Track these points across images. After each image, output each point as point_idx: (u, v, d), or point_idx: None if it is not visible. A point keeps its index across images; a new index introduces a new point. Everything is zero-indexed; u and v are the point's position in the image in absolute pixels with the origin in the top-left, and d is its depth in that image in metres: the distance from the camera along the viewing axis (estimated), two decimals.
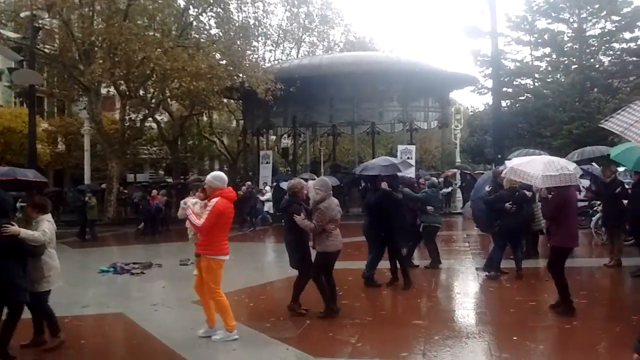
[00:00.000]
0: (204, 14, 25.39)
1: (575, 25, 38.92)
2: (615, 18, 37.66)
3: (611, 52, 38.81)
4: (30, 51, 20.37)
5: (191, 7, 25.13)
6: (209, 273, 6.16)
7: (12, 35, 21.47)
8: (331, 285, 7.29)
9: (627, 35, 37.74)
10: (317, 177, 25.11)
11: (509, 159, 14.65)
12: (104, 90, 26.88)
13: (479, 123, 42.06)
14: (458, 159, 41.94)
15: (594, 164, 12.56)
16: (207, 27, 26.46)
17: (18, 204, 14.10)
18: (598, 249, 12.45)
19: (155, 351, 6.18)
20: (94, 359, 5.95)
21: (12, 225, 5.47)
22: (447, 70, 28.86)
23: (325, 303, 7.06)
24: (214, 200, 6.11)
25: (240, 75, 22.89)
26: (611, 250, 10.34)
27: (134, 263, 11.80)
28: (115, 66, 22.06)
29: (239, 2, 24.80)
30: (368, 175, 9.82)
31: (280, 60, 34.26)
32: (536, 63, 41.62)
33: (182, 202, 7.47)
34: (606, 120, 5.94)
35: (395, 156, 24.41)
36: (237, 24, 25.23)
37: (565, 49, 39.29)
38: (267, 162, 26.42)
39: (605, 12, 37.57)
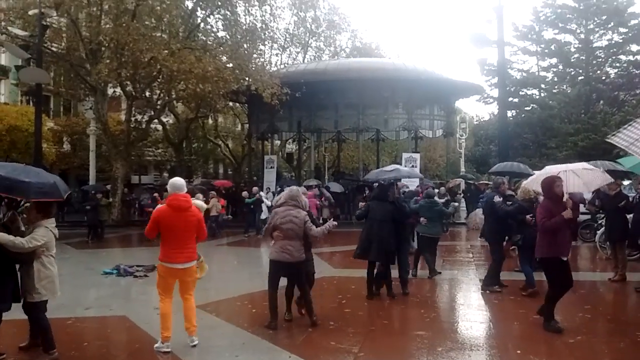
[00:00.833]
0: (211, 16, 25.48)
1: (582, 36, 38.93)
2: (622, 30, 37.67)
3: (618, 64, 38.79)
4: (37, 49, 20.43)
5: (199, 9, 25.21)
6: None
7: (20, 32, 21.54)
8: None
9: (634, 47, 37.80)
10: (321, 182, 25.22)
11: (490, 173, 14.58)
12: (110, 91, 26.92)
13: (484, 133, 42.03)
14: (463, 169, 41.91)
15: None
16: (215, 29, 26.57)
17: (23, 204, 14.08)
18: (602, 263, 12.39)
19: (157, 355, 6.15)
20: None
21: None
22: (453, 78, 28.88)
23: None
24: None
25: (247, 78, 22.92)
26: (615, 265, 10.29)
27: (138, 265, 11.78)
28: (122, 66, 22.13)
29: (247, 5, 24.84)
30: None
31: (286, 65, 34.33)
32: (542, 73, 41.62)
33: None
34: (613, 135, 5.97)
35: (400, 164, 24.48)
36: (244, 27, 25.26)
37: (572, 60, 39.27)
38: (271, 167, 26.43)
39: (612, 24, 37.58)
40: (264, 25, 26.75)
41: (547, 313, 6.81)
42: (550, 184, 6.75)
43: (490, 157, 37.28)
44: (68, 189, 6.38)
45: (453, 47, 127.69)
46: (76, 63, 24.02)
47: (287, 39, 37.08)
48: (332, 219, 6.87)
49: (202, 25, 25.75)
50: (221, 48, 24.06)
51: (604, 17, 37.54)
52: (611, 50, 38.39)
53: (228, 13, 24.74)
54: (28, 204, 6.22)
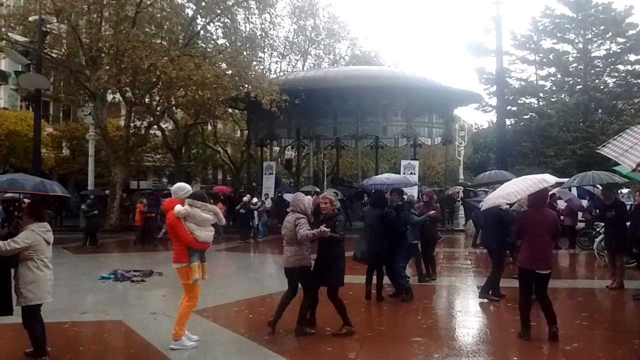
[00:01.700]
0: (211, 24, 25.58)
1: (581, 45, 39.10)
2: (620, 40, 37.87)
3: (616, 74, 38.98)
4: (37, 55, 20.50)
5: (199, 16, 25.29)
6: None
7: (20, 38, 21.61)
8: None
9: (632, 57, 37.93)
10: (320, 189, 25.20)
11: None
12: (109, 97, 26.98)
13: (483, 141, 42.08)
14: (461, 176, 41.90)
15: (598, 185, 12.53)
16: (214, 36, 26.69)
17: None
18: (600, 270, 12.38)
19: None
20: None
21: None
22: (452, 86, 28.99)
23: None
24: None
25: (246, 85, 22.97)
26: (613, 272, 10.29)
27: (135, 270, 11.77)
28: (121, 73, 22.18)
29: (247, 13, 24.94)
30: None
31: (285, 72, 34.41)
32: (541, 82, 41.76)
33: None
34: (603, 146, 5.97)
35: (399, 171, 24.50)
36: (244, 35, 25.37)
37: (570, 69, 39.44)
38: (270, 173, 26.45)
39: (610, 34, 37.77)
40: (263, 33, 26.88)
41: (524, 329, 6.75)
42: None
43: (489, 164, 37.29)
44: (56, 189, 6.43)
45: (452, 56, 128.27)
46: (76, 69, 24.08)
47: (287, 47, 37.22)
48: (324, 225, 6.73)
49: (202, 32, 25.84)
50: (221, 55, 24.14)
51: (602, 27, 37.73)
52: (609, 60, 38.56)
53: (228, 21, 24.85)
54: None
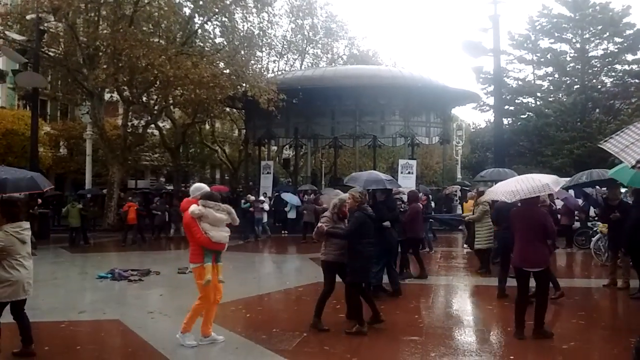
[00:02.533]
0: (209, 23, 25.51)
1: (578, 45, 39.15)
2: (617, 40, 37.91)
3: (613, 74, 39.00)
4: (34, 54, 20.43)
5: (196, 15, 25.26)
6: None
7: (17, 37, 21.55)
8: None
9: (629, 57, 38.04)
10: (317, 188, 25.22)
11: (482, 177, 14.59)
12: (107, 96, 26.94)
13: (481, 140, 42.13)
14: (459, 175, 41.90)
15: (597, 186, 12.54)
16: (212, 35, 26.63)
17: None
18: (597, 269, 12.41)
19: (150, 359, 6.14)
20: None
21: None
22: (450, 86, 28.97)
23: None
24: None
25: (243, 84, 22.94)
26: (611, 272, 10.26)
27: (132, 270, 11.77)
28: (118, 72, 22.13)
29: (244, 12, 24.89)
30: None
31: (283, 71, 34.41)
32: (538, 82, 41.80)
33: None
34: (605, 141, 5.97)
35: (397, 170, 24.51)
36: (241, 34, 25.34)
37: (568, 69, 39.49)
38: (268, 173, 26.41)
39: (608, 34, 37.82)
40: (261, 32, 26.84)
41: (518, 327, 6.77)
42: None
43: (487, 164, 37.32)
44: (50, 184, 6.39)
45: (449, 55, 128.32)
46: (73, 68, 24.02)
47: (285, 46, 37.18)
48: (324, 220, 6.98)
49: (199, 31, 25.79)
50: (218, 54, 24.08)
51: (599, 27, 37.78)
52: (607, 60, 38.61)
53: (226, 20, 24.80)
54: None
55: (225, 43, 25.57)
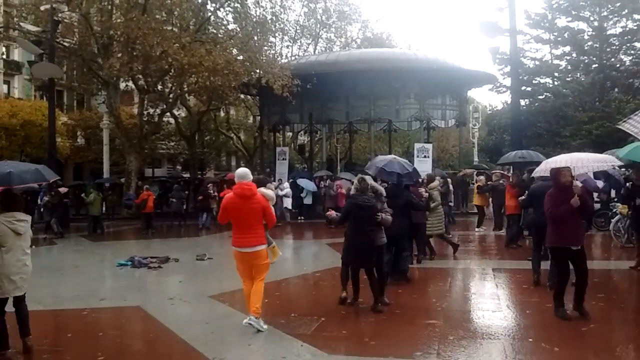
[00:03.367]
0: (221, 9, 25.43)
1: (596, 23, 38.39)
2: (636, 17, 37.02)
3: (632, 52, 38.21)
4: (49, 44, 20.59)
5: (209, 2, 25.20)
6: None
7: (32, 28, 21.72)
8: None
9: None
10: (333, 174, 25.18)
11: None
12: (122, 85, 27.11)
13: (497, 122, 41.64)
14: (476, 158, 41.57)
15: (616, 167, 12.35)
16: (225, 22, 26.51)
17: None
18: (617, 251, 12.30)
19: (171, 345, 6.23)
20: (111, 352, 6.01)
21: None
22: (465, 67, 28.60)
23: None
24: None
25: (257, 70, 22.91)
26: (638, 253, 10.15)
27: (152, 257, 11.91)
28: (133, 60, 22.23)
29: None
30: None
31: (297, 56, 34.24)
32: (556, 62, 41.11)
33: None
34: (624, 122, 5.90)
35: (412, 154, 24.35)
36: (254, 20, 25.25)
37: (586, 48, 38.76)
38: (283, 159, 26.42)
39: (626, 11, 36.98)
40: (274, 17, 26.76)
41: (555, 300, 6.83)
42: (557, 173, 6.79)
43: (504, 146, 37.00)
44: (56, 175, 6.48)
45: (465, 36, 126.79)
46: (88, 57, 24.18)
47: (298, 31, 36.93)
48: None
49: (212, 18, 25.73)
50: (231, 41, 24.04)
51: (617, 4, 36.93)
52: (625, 38, 37.80)
53: (238, 5, 24.72)
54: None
55: (238, 29, 25.52)
